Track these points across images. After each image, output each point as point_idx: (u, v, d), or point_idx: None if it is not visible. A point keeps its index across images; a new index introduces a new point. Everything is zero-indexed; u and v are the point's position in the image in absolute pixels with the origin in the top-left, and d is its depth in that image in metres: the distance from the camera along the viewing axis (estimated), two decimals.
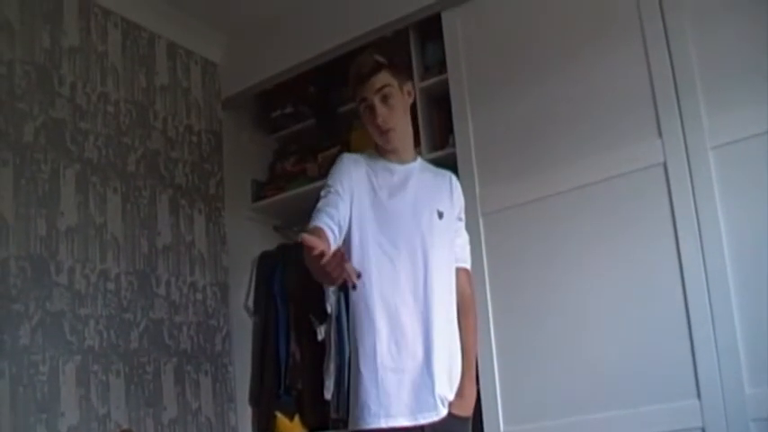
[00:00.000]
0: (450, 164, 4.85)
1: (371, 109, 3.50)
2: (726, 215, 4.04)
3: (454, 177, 3.79)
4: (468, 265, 3.73)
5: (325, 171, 5.84)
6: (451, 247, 3.63)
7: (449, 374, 3.42)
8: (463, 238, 3.74)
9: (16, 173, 4.60)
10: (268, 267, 6.09)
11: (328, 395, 5.49)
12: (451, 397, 3.41)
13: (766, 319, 3.87)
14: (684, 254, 4.11)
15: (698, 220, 4.10)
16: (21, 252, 4.52)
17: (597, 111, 4.50)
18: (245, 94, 6.28)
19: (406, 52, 5.36)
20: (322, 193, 3.55)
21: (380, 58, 3.54)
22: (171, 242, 5.55)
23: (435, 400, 3.33)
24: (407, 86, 3.63)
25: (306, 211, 5.82)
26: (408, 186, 3.57)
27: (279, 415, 5.73)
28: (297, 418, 5.75)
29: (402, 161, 3.63)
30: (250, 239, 6.27)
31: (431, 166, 3.80)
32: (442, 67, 5.18)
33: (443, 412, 3.34)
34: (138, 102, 5.55)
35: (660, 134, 4.26)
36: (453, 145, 4.99)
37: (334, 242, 3.30)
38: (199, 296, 5.67)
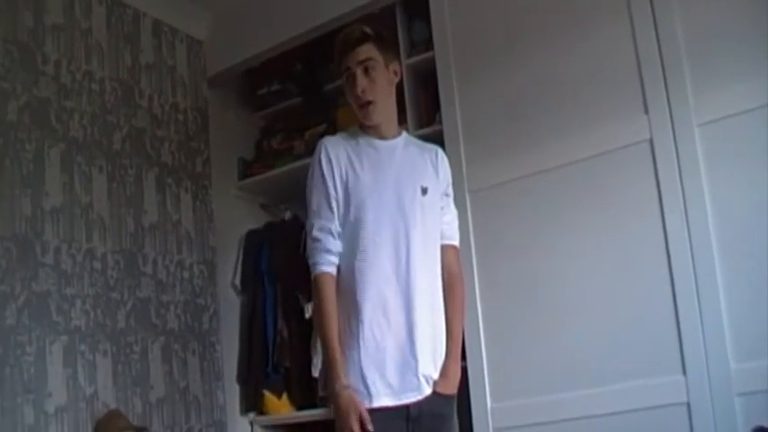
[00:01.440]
0: (436, 141, 4.82)
1: (353, 78, 3.55)
2: (711, 191, 4.04)
3: (441, 151, 3.83)
4: (455, 242, 3.75)
5: (311, 149, 5.81)
6: (436, 224, 3.64)
7: (432, 354, 3.46)
8: (451, 215, 3.75)
9: (0, 152, 4.58)
10: (255, 245, 6.10)
11: (316, 373, 5.53)
12: (436, 376, 3.45)
13: (751, 295, 3.88)
14: (670, 230, 4.12)
15: (684, 196, 4.09)
16: (5, 233, 4.50)
17: (584, 87, 4.49)
18: (230, 71, 6.24)
19: (393, 29, 5.33)
20: (313, 199, 3.63)
21: (368, 30, 3.58)
22: (157, 221, 5.53)
23: (419, 379, 3.39)
24: (394, 65, 3.66)
25: (293, 189, 5.90)
26: (390, 163, 3.60)
27: (267, 393, 5.76)
28: (285, 396, 5.78)
29: (384, 137, 3.66)
30: (237, 218, 6.26)
31: (418, 141, 3.84)
32: (428, 44, 5.16)
33: (427, 391, 3.40)
34: (123, 80, 5.51)
35: (646, 111, 4.25)
36: (440, 122, 4.97)
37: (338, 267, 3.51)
38: (186, 275, 5.66)
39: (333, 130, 5.83)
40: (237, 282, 6.10)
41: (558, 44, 4.58)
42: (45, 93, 4.91)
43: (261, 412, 5.89)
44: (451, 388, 3.49)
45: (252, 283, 6.03)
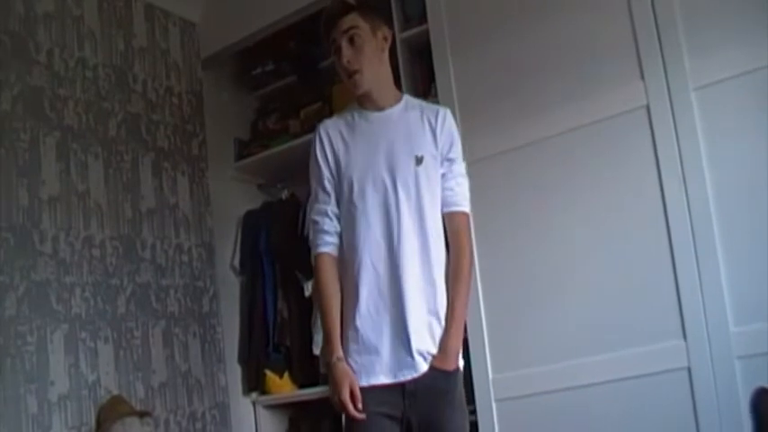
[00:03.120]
0: None
1: (338, 50, 3.52)
2: (709, 156, 4.02)
3: (444, 112, 3.66)
4: (460, 208, 3.59)
5: (308, 127, 5.88)
6: (435, 193, 3.54)
7: (429, 328, 3.42)
8: (455, 180, 3.59)
9: None
10: (253, 226, 6.11)
11: (317, 351, 5.54)
12: (435, 350, 3.40)
13: (749, 258, 3.87)
14: (668, 195, 4.10)
15: (681, 161, 4.08)
16: (3, 223, 4.51)
17: (579, 55, 4.46)
18: (224, 52, 6.24)
19: (387, 3, 5.32)
20: (312, 183, 3.68)
21: (350, 0, 3.53)
22: (155, 205, 5.54)
23: (413, 357, 3.36)
24: (382, 31, 3.60)
25: (289, 168, 5.88)
26: (383, 134, 3.56)
27: (268, 373, 5.78)
28: (286, 375, 5.80)
29: (379, 108, 3.62)
30: (234, 199, 6.27)
31: (421, 103, 3.74)
32: (422, 17, 5.12)
33: (423, 368, 3.37)
34: (116, 66, 5.51)
35: (642, 77, 4.22)
36: (435, 95, 4.95)
37: (339, 245, 3.55)
38: (185, 258, 5.68)
39: (328, 107, 5.86)
40: (236, 263, 6.11)
41: (551, 12, 4.54)
42: (38, 81, 4.91)
43: (263, 392, 5.90)
44: (448, 363, 3.39)
45: (251, 263, 6.04)
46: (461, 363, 3.53)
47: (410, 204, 3.47)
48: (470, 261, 3.60)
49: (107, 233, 5.11)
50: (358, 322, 3.42)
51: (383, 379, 3.37)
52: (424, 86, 5.23)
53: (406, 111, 3.64)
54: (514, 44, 4.66)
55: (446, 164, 3.57)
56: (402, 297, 3.39)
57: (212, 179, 6.11)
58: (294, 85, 6.26)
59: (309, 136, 5.65)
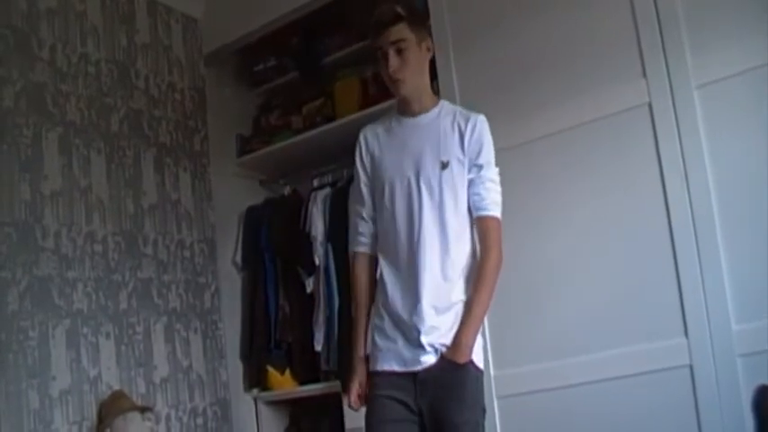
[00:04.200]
0: None
1: (385, 57, 3.62)
2: (711, 154, 4.04)
3: (477, 119, 3.73)
4: (488, 212, 3.66)
5: (309, 123, 5.90)
6: (460, 197, 3.64)
7: (445, 323, 3.54)
8: (483, 185, 3.66)
9: None
10: (255, 222, 6.12)
11: (318, 347, 5.55)
12: (449, 343, 3.52)
13: (751, 256, 3.88)
14: (670, 193, 4.12)
15: (683, 159, 4.09)
16: (5, 218, 4.51)
17: (581, 53, 4.48)
18: (227, 49, 6.24)
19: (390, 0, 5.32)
20: (354, 183, 3.95)
21: (400, 10, 3.62)
22: (157, 201, 5.54)
23: (424, 350, 3.51)
24: (426, 42, 3.72)
25: (291, 164, 5.88)
26: (414, 139, 3.71)
27: (270, 369, 5.78)
28: (288, 372, 5.81)
29: (415, 113, 3.75)
30: (236, 195, 6.27)
31: (458, 110, 3.82)
32: (424, 13, 5.11)
33: (431, 361, 3.50)
34: (119, 61, 5.50)
35: (645, 75, 4.24)
36: (437, 92, 4.94)
37: (374, 245, 3.81)
38: (186, 254, 5.68)
39: (330, 104, 5.88)
40: (238, 259, 6.11)
41: (554, 10, 4.56)
42: (41, 77, 4.90)
43: (264, 388, 5.91)
44: (459, 356, 3.50)
45: (252, 259, 6.05)
46: (479, 360, 3.63)
47: (433, 205, 3.60)
48: (497, 264, 3.65)
49: (109, 228, 5.11)
50: (382, 311, 3.66)
51: (396, 366, 3.55)
52: None
53: (440, 117, 3.75)
54: (517, 41, 4.68)
55: (474, 169, 3.66)
56: (419, 292, 3.54)
57: (214, 175, 6.11)
58: (296, 82, 6.25)
59: (311, 132, 5.74)
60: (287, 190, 6.24)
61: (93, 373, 4.79)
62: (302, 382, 5.77)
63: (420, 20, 3.80)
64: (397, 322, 3.59)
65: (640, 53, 4.26)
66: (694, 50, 4.12)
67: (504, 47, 4.72)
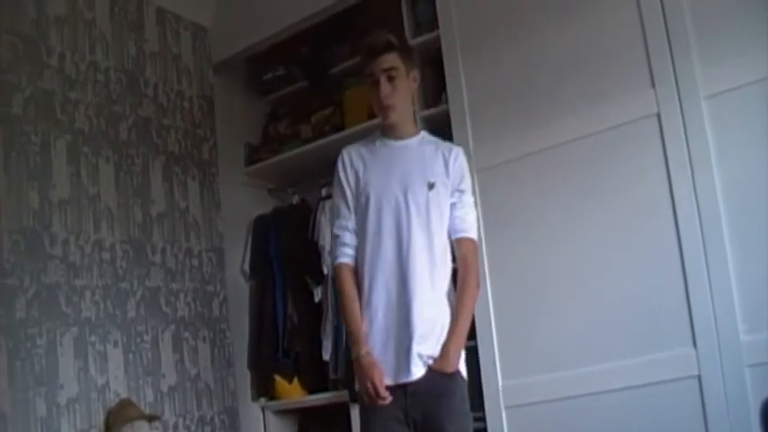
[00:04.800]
0: (443, 121, 4.93)
1: (376, 84, 3.77)
2: (719, 164, 4.03)
3: (458, 150, 3.93)
4: (469, 234, 3.82)
5: (318, 132, 5.91)
6: (443, 217, 3.79)
7: (433, 336, 3.64)
8: (464, 209, 3.83)
9: (6, 146, 4.59)
10: (263, 231, 6.12)
11: (326, 356, 5.55)
12: (437, 355, 3.62)
13: (760, 267, 3.87)
14: (679, 203, 4.11)
15: (692, 169, 4.09)
16: (13, 226, 4.52)
17: (590, 63, 4.47)
18: (236, 57, 6.25)
19: (398, 10, 5.34)
20: (335, 201, 4.00)
21: (393, 40, 3.80)
22: (165, 209, 5.54)
23: (413, 362, 3.58)
24: (414, 73, 3.88)
25: (300, 173, 5.89)
26: (401, 159, 3.85)
27: (278, 378, 5.79)
28: (296, 380, 5.81)
29: (400, 137, 3.90)
30: (245, 203, 6.28)
31: (438, 141, 4.00)
32: (433, 24, 5.14)
33: (420, 373, 3.58)
34: (128, 69, 5.51)
35: (653, 85, 4.24)
36: (446, 102, 5.00)
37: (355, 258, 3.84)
38: (195, 262, 5.68)
39: (339, 112, 5.89)
40: (246, 268, 6.11)
41: (563, 20, 4.57)
42: (50, 85, 4.92)
43: (272, 397, 5.92)
44: (447, 366, 3.60)
45: (261, 268, 6.04)
46: (464, 371, 3.72)
47: (420, 221, 3.73)
48: (477, 280, 3.86)
49: (117, 237, 5.12)
50: (370, 327, 3.69)
51: (387, 380, 3.59)
52: (435, 93, 5.24)
53: (423, 143, 3.93)
54: (525, 51, 4.68)
55: (457, 194, 3.83)
56: (410, 307, 3.63)
57: (223, 184, 6.12)
58: (305, 91, 6.26)
59: (320, 141, 5.74)
60: (295, 199, 6.24)
61: (100, 381, 4.79)
62: (310, 391, 5.77)
63: (409, 51, 3.93)
64: (388, 335, 3.67)
65: (649, 63, 4.26)
66: (703, 61, 4.12)
67: (514, 57, 4.72)
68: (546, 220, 4.52)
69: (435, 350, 3.62)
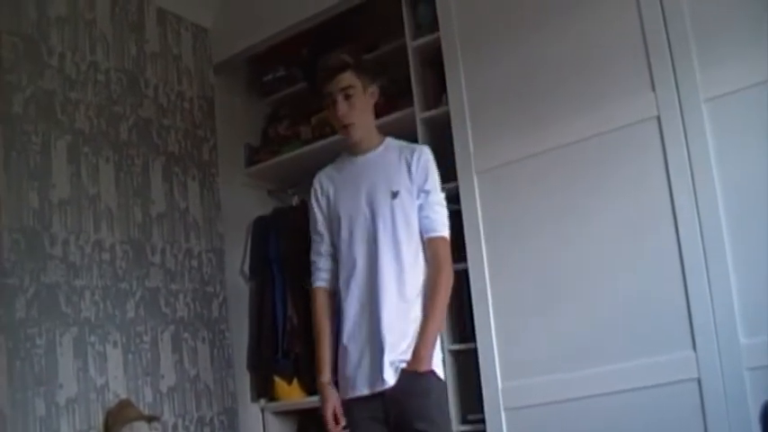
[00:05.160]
0: (443, 123, 4.94)
1: (334, 104, 3.96)
2: (720, 168, 4.02)
3: (420, 150, 4.05)
4: (439, 233, 3.93)
5: (318, 134, 5.92)
6: (412, 223, 3.91)
7: (405, 342, 3.77)
8: (431, 209, 3.93)
9: (6, 145, 4.58)
10: (263, 232, 6.12)
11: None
12: (408, 358, 3.74)
13: (760, 270, 3.86)
14: (678, 206, 4.10)
15: (692, 172, 4.08)
16: (13, 225, 4.51)
17: (590, 65, 4.47)
18: (236, 58, 6.25)
19: (398, 11, 5.34)
20: (311, 228, 4.20)
21: (348, 59, 3.97)
22: (165, 210, 5.54)
23: (388, 371, 3.72)
24: (372, 88, 4.06)
25: (300, 174, 5.89)
26: (366, 174, 4.00)
27: (277, 379, 5.79)
28: (295, 382, 5.82)
29: (364, 151, 4.06)
30: (245, 204, 6.29)
31: (402, 144, 4.12)
32: (433, 25, 5.13)
33: (394, 379, 3.72)
34: (128, 70, 5.52)
35: (653, 88, 4.23)
36: (446, 104, 4.98)
37: (333, 280, 4.06)
38: (194, 263, 5.68)
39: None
40: (246, 269, 6.12)
41: (563, 22, 4.56)
42: (50, 85, 4.92)
43: (271, 398, 5.93)
44: (418, 365, 3.71)
45: (261, 269, 6.04)
46: (440, 372, 3.85)
47: (386, 233, 3.87)
48: (447, 279, 3.91)
49: (117, 237, 5.12)
50: (345, 341, 3.88)
51: (365, 390, 3.78)
52: (435, 95, 5.24)
53: (387, 152, 4.07)
54: (526, 53, 4.68)
55: (422, 195, 3.94)
56: (379, 317, 3.77)
57: (223, 184, 6.12)
58: (305, 92, 6.22)
59: (321, 142, 5.77)
60: (295, 200, 6.24)
61: (100, 381, 4.79)
62: (310, 393, 5.74)
63: (366, 68, 4.07)
64: (362, 348, 3.80)
65: (649, 66, 4.26)
66: (703, 64, 4.11)
67: (515, 59, 4.72)
68: (546, 222, 4.52)
69: (408, 354, 3.74)
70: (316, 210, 4.11)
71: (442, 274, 3.85)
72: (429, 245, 3.89)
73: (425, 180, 3.93)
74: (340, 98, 3.92)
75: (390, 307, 3.76)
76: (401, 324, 3.76)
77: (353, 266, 3.89)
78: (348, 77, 3.92)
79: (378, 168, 3.98)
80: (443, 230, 3.92)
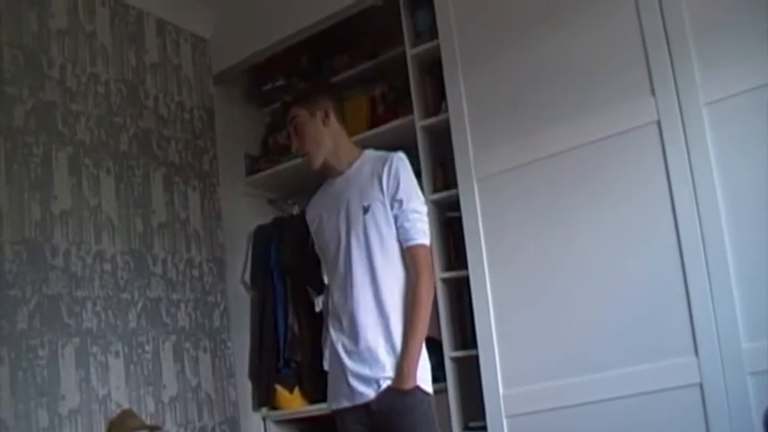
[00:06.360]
0: (443, 130, 4.95)
1: (290, 138, 4.15)
2: (720, 172, 4.03)
3: (391, 159, 3.97)
4: (417, 241, 3.89)
5: None
6: (387, 234, 3.89)
7: (386, 357, 3.79)
8: (406, 217, 3.89)
9: (8, 158, 4.59)
10: (264, 241, 6.12)
11: (327, 366, 5.54)
12: (392, 374, 3.77)
13: (761, 274, 3.87)
14: (679, 211, 4.11)
15: (693, 177, 4.09)
16: (15, 237, 4.52)
17: (590, 71, 4.48)
18: (236, 68, 6.25)
19: (398, 19, 5.35)
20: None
21: (287, 98, 4.25)
22: (166, 220, 5.55)
23: (366, 385, 3.79)
24: (319, 111, 4.05)
25: (300, 183, 5.90)
26: (343, 194, 4.02)
27: (279, 387, 5.79)
28: (297, 390, 5.81)
29: (340, 171, 4.09)
30: (245, 214, 6.29)
31: (377, 155, 4.09)
32: (432, 33, 5.15)
33: (372, 395, 3.76)
34: (128, 81, 5.52)
35: (653, 92, 4.24)
36: (446, 111, 4.99)
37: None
38: (195, 273, 5.68)
39: (340, 122, 5.89)
40: (247, 278, 6.11)
41: (563, 28, 4.57)
42: (51, 97, 4.93)
43: (273, 407, 5.91)
44: (403, 383, 3.72)
45: (262, 278, 6.04)
46: (427, 386, 3.83)
47: (360, 252, 3.89)
48: (428, 288, 3.87)
49: (118, 247, 5.12)
50: (330, 356, 4.02)
51: (345, 403, 3.86)
52: (435, 102, 5.26)
53: (362, 166, 4.05)
54: (526, 59, 4.69)
55: (396, 204, 3.90)
56: (357, 334, 3.83)
57: (223, 194, 6.13)
58: None
59: None
60: (295, 209, 6.24)
61: (102, 391, 4.79)
62: (311, 401, 5.75)
63: (305, 96, 4.13)
64: (343, 363, 3.87)
65: (649, 71, 4.27)
66: (703, 68, 4.12)
67: (514, 64, 4.73)
68: (546, 228, 4.52)
69: (391, 372, 3.76)
70: (314, 239, 4.21)
71: (420, 283, 3.82)
72: (408, 254, 3.87)
73: (397, 189, 3.89)
74: (292, 132, 4.09)
75: (368, 325, 3.80)
76: (380, 340, 3.79)
77: (335, 288, 3.98)
78: (292, 111, 4.05)
79: (352, 185, 4.00)
80: (421, 238, 3.88)
